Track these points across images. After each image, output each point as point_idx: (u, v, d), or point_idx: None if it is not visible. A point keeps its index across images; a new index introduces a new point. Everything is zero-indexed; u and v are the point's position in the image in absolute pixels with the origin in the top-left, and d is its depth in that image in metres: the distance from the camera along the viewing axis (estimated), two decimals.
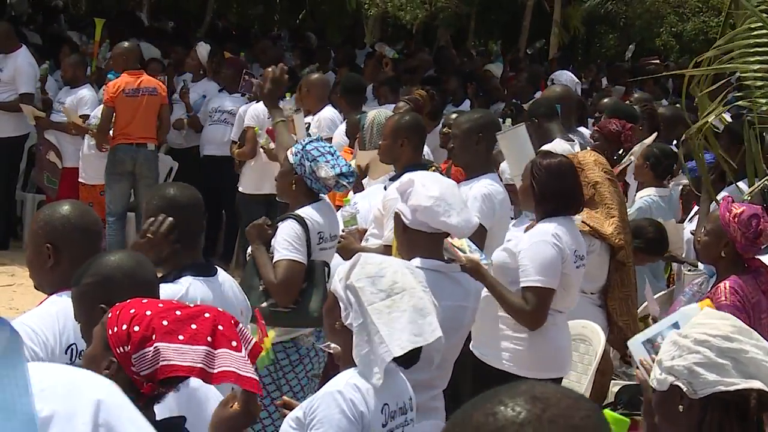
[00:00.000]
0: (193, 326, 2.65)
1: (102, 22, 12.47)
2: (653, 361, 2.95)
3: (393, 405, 3.38)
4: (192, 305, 2.76)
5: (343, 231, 5.79)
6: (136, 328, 2.64)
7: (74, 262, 3.54)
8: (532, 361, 5.12)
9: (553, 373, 5.19)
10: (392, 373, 3.43)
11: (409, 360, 3.44)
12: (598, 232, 5.97)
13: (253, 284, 5.20)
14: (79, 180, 10.17)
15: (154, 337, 2.62)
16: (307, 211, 5.27)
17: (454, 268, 4.48)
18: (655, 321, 5.09)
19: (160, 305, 2.72)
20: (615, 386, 6.59)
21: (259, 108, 9.22)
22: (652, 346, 3.29)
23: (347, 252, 5.31)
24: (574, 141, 7.51)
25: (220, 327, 2.66)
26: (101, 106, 10.05)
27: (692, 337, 2.71)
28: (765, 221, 4.88)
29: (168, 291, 3.91)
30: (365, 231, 5.96)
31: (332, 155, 5.30)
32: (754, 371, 2.65)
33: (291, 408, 3.41)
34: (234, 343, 2.66)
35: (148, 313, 2.67)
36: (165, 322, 2.65)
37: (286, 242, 5.17)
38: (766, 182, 5.87)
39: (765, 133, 6.80)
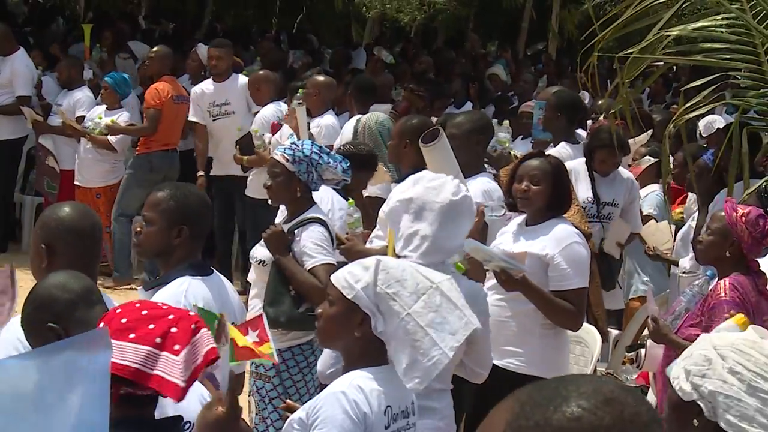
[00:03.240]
0: (151, 326, 2.66)
1: (89, 27, 12.50)
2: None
3: (396, 407, 3.37)
4: (166, 307, 2.76)
5: (347, 233, 5.82)
6: (101, 324, 2.67)
7: (69, 264, 3.55)
8: (553, 362, 5.11)
9: (563, 371, 5.21)
10: (394, 376, 3.42)
11: None
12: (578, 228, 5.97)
13: (281, 291, 5.17)
14: (75, 183, 10.17)
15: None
16: (321, 215, 5.35)
17: (457, 274, 4.41)
18: (655, 321, 5.07)
19: (137, 305, 2.74)
20: None
21: (267, 113, 9.20)
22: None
23: (352, 254, 5.30)
24: (579, 143, 7.52)
25: (174, 329, 2.66)
26: (98, 107, 10.08)
27: (728, 364, 2.63)
28: None
29: (168, 292, 3.92)
30: (369, 234, 5.99)
31: (328, 155, 5.39)
32: None
33: (292, 411, 3.39)
34: (177, 347, 2.65)
35: (119, 310, 2.71)
36: (124, 320, 2.67)
37: (319, 247, 5.19)
38: (765, 183, 5.87)
39: (762, 134, 6.81)
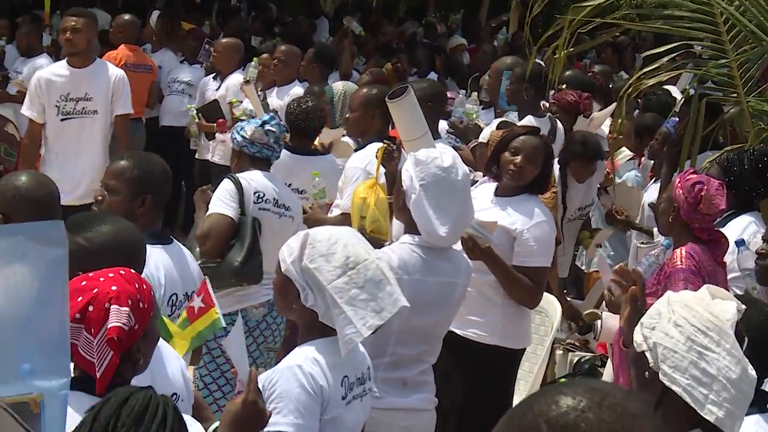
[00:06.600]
0: (79, 299, 2.71)
1: None
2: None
3: (352, 376, 3.38)
4: (102, 279, 2.76)
5: (312, 203, 5.84)
6: None
7: None
8: (514, 332, 5.15)
9: (525, 342, 5.29)
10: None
11: None
12: None
13: (193, 245, 5.33)
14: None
15: None
16: (245, 174, 5.48)
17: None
18: (611, 292, 5.07)
19: (91, 275, 2.79)
20: (575, 357, 6.64)
21: (236, 81, 9.07)
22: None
23: (311, 223, 5.35)
24: (544, 116, 7.42)
25: (90, 308, 2.71)
26: None
27: (674, 317, 2.70)
28: (713, 190, 4.78)
29: None
30: (332, 203, 6.00)
31: (252, 117, 5.65)
32: (713, 372, 2.63)
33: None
34: (91, 326, 2.70)
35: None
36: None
37: (216, 199, 5.39)
38: (729, 153, 5.88)
39: (723, 105, 6.84)
